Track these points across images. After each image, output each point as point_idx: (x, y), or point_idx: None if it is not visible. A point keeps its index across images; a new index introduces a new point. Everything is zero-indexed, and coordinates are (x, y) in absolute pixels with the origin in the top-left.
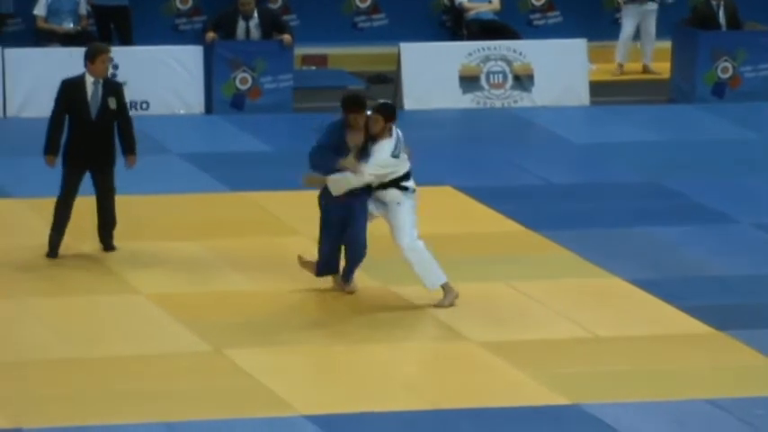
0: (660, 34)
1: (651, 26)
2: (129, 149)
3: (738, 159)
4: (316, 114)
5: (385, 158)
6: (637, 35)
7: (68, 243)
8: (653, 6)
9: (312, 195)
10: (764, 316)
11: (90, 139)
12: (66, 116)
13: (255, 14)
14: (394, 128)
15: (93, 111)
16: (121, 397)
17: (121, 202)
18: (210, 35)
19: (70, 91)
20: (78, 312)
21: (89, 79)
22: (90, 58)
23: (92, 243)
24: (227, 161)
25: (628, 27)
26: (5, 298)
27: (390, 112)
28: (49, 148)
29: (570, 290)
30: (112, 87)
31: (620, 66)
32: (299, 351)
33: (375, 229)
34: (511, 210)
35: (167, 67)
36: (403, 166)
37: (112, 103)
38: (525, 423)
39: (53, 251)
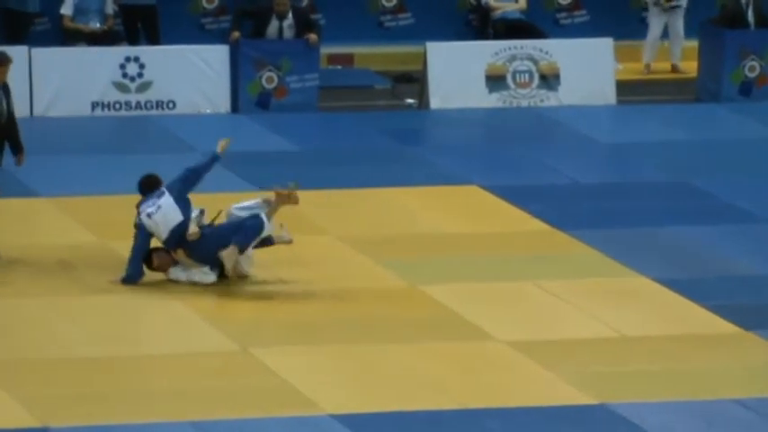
0: (687, 33)
1: (679, 26)
2: (21, 148)
3: (765, 158)
4: (341, 113)
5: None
6: (665, 35)
7: (96, 242)
8: (681, 4)
9: (338, 195)
10: None
11: (2, 143)
12: None
13: (290, 15)
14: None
15: (3, 115)
16: (148, 396)
17: None
18: (235, 35)
19: None
20: (105, 311)
21: None
22: None
23: (120, 242)
24: (253, 160)
25: (655, 28)
26: (33, 297)
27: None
28: None
29: (597, 289)
30: (7, 89)
31: (648, 66)
32: (326, 350)
33: (403, 229)
34: (537, 209)
35: (193, 66)
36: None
37: (9, 106)
38: (552, 422)
39: None
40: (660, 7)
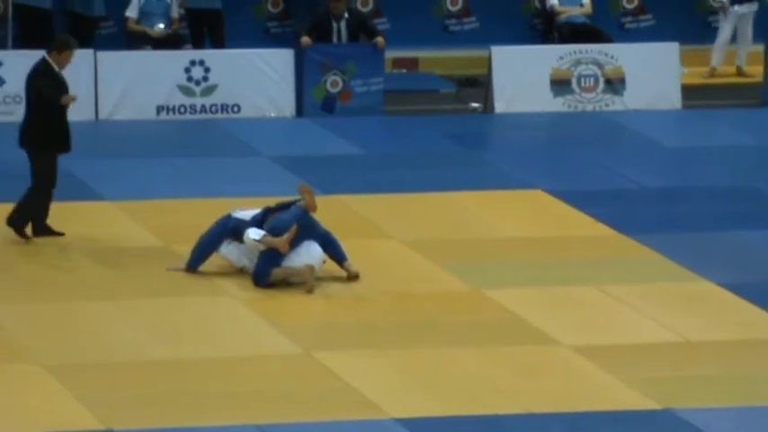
0: (753, 38)
1: (748, 29)
2: None
3: None
4: (406, 117)
5: None
6: (733, 38)
7: (161, 246)
8: (752, 9)
9: (403, 199)
10: None
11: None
12: (37, 104)
13: (346, 14)
14: None
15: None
16: (212, 399)
17: (214, 204)
18: (306, 40)
19: (49, 79)
20: (169, 314)
21: (55, 67)
22: (58, 50)
23: (184, 245)
24: (317, 164)
25: (725, 31)
26: (96, 300)
27: None
28: None
29: (662, 294)
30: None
31: (713, 69)
32: (388, 354)
33: (467, 233)
34: (602, 213)
35: (258, 70)
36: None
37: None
38: (616, 427)
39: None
40: (737, 5)
